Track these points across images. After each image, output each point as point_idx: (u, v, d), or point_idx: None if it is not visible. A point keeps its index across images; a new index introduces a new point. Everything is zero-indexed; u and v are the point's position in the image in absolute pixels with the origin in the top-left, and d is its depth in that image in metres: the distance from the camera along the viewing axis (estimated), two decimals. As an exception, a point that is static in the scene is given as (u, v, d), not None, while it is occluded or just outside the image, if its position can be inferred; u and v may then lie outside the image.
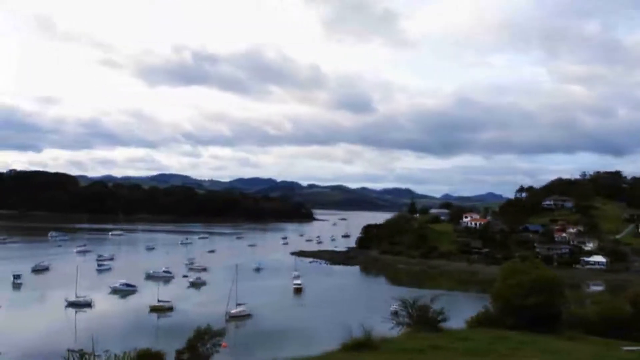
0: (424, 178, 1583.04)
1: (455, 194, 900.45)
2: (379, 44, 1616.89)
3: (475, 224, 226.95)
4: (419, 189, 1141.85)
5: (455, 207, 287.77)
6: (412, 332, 28.38)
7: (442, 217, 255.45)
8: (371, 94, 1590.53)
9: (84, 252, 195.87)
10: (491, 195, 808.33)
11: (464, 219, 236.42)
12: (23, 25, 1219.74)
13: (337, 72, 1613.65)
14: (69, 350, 21.75)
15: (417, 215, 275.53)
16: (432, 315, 30.59)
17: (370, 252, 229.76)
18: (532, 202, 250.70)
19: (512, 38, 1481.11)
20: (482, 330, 28.57)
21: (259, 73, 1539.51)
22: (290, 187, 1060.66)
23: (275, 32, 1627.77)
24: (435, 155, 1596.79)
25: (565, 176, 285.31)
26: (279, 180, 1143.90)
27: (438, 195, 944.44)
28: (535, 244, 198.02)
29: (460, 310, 43.71)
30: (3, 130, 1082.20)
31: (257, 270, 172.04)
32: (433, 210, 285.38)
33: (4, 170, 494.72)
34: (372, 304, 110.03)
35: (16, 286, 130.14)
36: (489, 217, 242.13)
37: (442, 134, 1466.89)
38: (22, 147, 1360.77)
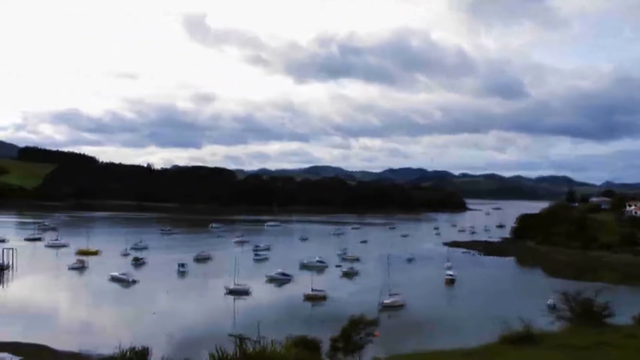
0: (582, 165, 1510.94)
1: (617, 181, 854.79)
2: (528, 24, 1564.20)
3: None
4: (577, 177, 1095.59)
5: (617, 195, 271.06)
6: (574, 327, 26.86)
7: (603, 206, 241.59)
8: (522, 78, 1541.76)
9: (241, 243, 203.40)
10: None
11: (628, 208, 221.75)
12: (177, 27, 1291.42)
13: (485, 57, 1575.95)
14: (232, 335, 22.68)
15: (576, 204, 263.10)
16: (596, 309, 28.89)
17: (526, 243, 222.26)
18: None
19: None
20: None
21: (405, 62, 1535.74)
22: (441, 177, 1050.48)
23: (419, 18, 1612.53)
24: (594, 140, 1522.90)
25: None
26: (429, 169, 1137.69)
27: (598, 183, 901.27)
28: None
29: (626, 306, 40.87)
30: (166, 128, 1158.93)
31: (409, 260, 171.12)
32: (593, 199, 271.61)
33: (168, 166, 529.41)
34: (527, 297, 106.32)
35: (181, 274, 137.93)
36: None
37: (601, 117, 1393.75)
38: (184, 144, 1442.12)
